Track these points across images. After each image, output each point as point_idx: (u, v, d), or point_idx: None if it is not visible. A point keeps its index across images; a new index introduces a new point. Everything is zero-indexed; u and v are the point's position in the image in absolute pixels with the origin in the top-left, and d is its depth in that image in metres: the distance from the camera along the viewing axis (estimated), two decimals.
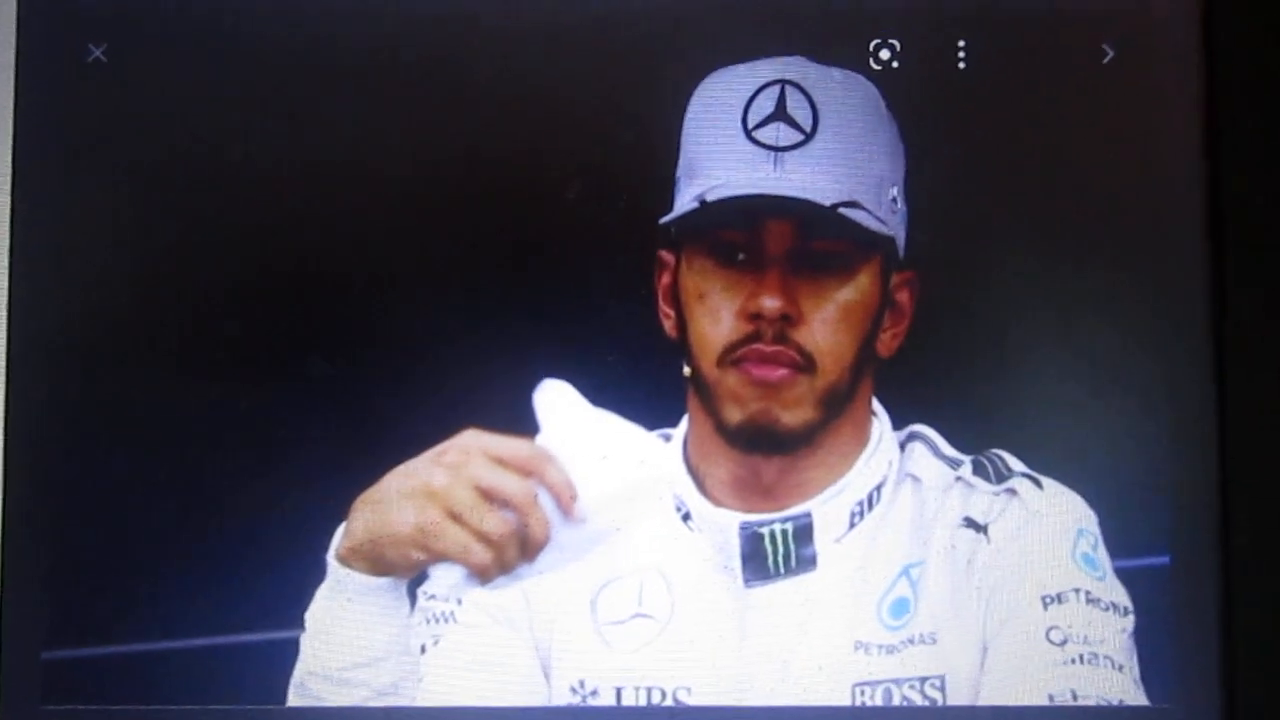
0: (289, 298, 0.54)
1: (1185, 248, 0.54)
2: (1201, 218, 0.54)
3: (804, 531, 0.54)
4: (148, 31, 0.55)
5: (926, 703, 0.53)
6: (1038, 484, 0.54)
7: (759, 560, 0.54)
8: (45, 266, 0.54)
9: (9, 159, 0.54)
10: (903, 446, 0.55)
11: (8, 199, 0.54)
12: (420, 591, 0.53)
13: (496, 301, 0.54)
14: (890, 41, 0.55)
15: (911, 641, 0.53)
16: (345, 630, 0.53)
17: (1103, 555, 0.53)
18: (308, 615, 0.53)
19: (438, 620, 0.53)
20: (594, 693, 0.53)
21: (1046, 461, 0.54)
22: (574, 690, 0.54)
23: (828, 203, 0.52)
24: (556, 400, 0.53)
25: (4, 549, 0.54)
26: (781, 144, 0.53)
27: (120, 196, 0.55)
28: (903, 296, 0.54)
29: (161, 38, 0.55)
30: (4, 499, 0.54)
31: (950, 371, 0.54)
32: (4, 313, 0.54)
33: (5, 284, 0.54)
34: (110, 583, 0.54)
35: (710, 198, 0.52)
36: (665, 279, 0.54)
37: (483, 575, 0.52)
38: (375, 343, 0.54)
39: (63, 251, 0.55)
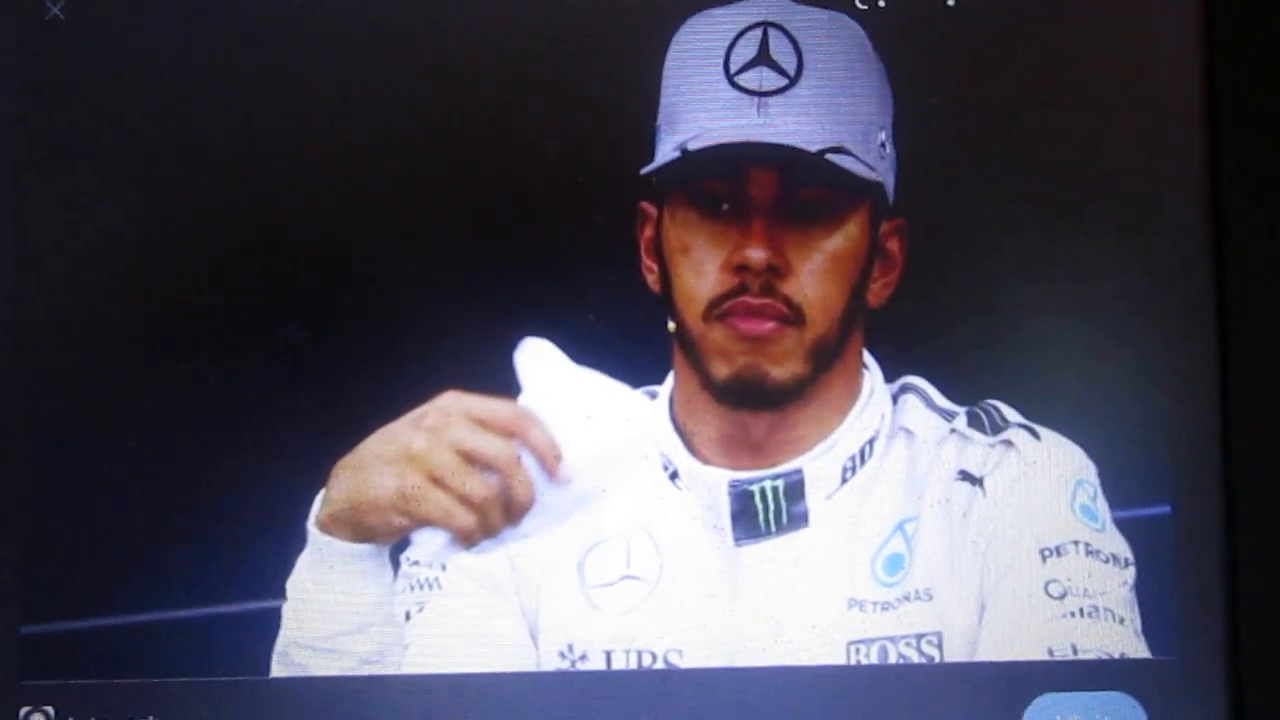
0: (260, 264, 0.53)
1: (1185, 192, 0.52)
2: (1201, 159, 0.52)
3: (795, 488, 0.52)
4: None
5: (923, 660, 0.52)
6: (1034, 435, 0.52)
7: (749, 518, 0.52)
8: (5, 234, 0.53)
9: None
10: (895, 399, 0.53)
11: None
12: (403, 558, 0.52)
13: (474, 260, 0.52)
14: None
15: (907, 598, 0.52)
16: (327, 598, 0.52)
17: (1102, 506, 0.52)
18: (289, 584, 0.52)
19: (422, 587, 0.52)
20: (583, 657, 0.52)
21: (1043, 412, 0.53)
22: (563, 655, 0.53)
23: (814, 149, 0.51)
24: (538, 359, 0.51)
25: None
26: (765, 89, 0.51)
27: (80, 162, 0.53)
28: (893, 245, 0.53)
29: None
30: None
31: (943, 321, 0.53)
32: None
33: None
34: (89, 556, 0.53)
35: (692, 146, 0.51)
36: (648, 232, 0.53)
37: (466, 539, 0.51)
38: (351, 306, 0.53)
39: (23, 218, 0.53)
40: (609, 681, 0.52)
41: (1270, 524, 0.52)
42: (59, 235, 0.53)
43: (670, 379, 0.54)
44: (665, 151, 0.52)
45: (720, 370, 0.52)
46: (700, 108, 0.51)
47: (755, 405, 0.52)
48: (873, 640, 0.52)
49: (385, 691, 0.52)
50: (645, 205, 0.53)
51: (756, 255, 0.51)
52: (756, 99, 0.51)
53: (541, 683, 0.52)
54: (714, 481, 0.53)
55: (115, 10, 0.53)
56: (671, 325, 0.53)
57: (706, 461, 0.53)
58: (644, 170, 0.52)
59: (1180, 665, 0.52)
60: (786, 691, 0.52)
